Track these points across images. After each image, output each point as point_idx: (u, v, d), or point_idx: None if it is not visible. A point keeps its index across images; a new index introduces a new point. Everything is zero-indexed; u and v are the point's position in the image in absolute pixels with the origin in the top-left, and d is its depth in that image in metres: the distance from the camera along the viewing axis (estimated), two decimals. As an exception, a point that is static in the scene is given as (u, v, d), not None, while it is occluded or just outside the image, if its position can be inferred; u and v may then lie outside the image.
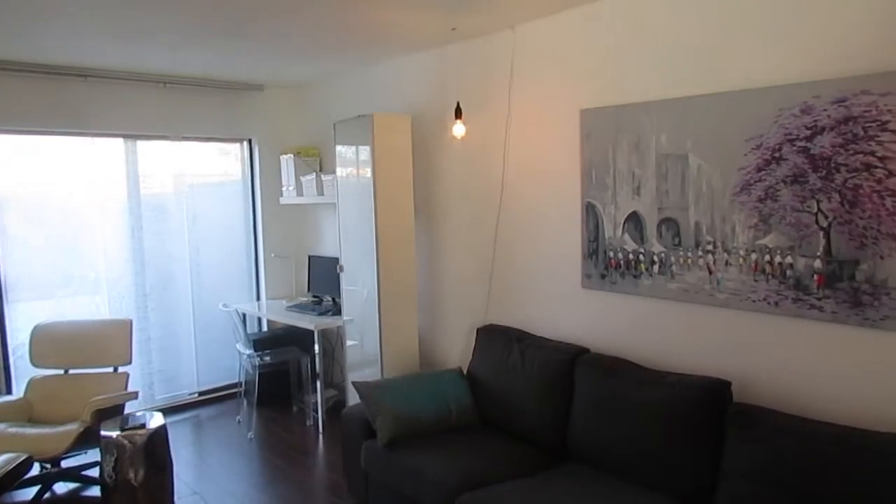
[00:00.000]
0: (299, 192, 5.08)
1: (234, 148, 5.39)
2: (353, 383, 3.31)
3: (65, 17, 3.16)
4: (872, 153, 2.24)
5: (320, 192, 4.85)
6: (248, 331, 5.19)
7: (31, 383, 3.84)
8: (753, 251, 2.59)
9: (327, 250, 5.28)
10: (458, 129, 3.68)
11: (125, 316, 4.60)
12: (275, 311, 4.88)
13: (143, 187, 4.85)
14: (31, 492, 3.58)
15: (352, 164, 4.09)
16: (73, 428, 3.42)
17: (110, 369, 3.93)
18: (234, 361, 5.29)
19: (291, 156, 5.12)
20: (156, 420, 3.27)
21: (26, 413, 3.70)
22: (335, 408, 4.72)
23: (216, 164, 5.32)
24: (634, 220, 3.02)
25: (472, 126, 3.82)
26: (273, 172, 5.41)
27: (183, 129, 4.97)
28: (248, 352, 4.69)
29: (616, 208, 3.09)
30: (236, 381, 5.30)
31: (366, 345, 4.09)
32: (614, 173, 3.08)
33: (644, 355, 3.04)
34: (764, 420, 2.32)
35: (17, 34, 3.45)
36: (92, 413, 3.43)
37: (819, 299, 2.41)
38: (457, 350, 4.13)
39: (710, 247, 2.74)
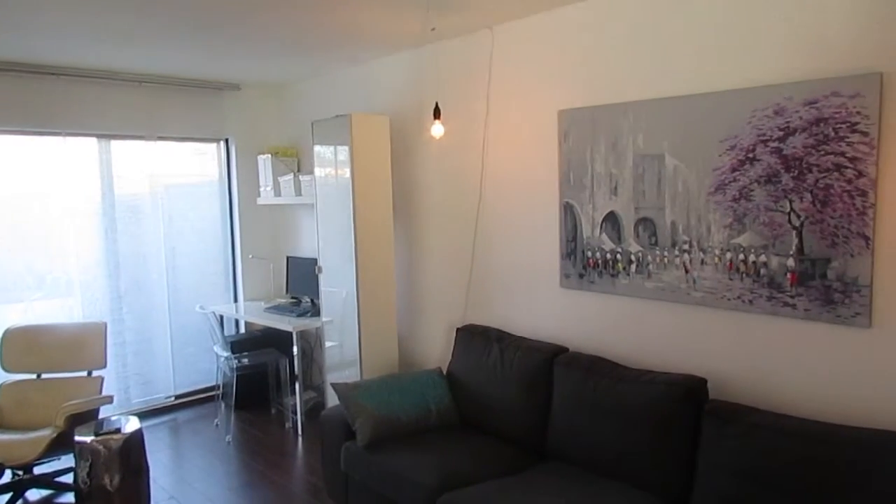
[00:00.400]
0: (277, 193, 5.05)
1: (211, 148, 5.33)
2: (333, 385, 3.30)
3: (37, 15, 3.10)
4: (843, 154, 2.28)
5: (298, 193, 4.82)
6: (226, 333, 5.14)
7: (3, 388, 3.76)
8: (728, 250, 2.63)
9: (306, 251, 5.24)
10: (437, 129, 3.68)
11: (99, 319, 4.53)
12: (252, 313, 4.84)
13: (117, 188, 4.78)
14: (2, 499, 3.50)
15: (330, 164, 4.07)
16: (46, 433, 3.36)
17: (84, 373, 3.86)
18: (211, 364, 5.24)
19: (269, 156, 5.09)
20: (131, 424, 3.22)
21: (-3, 419, 3.63)
22: (314, 410, 4.69)
23: (192, 165, 5.25)
24: (612, 220, 3.05)
25: (451, 126, 3.82)
26: (250, 173, 5.36)
27: (158, 128, 4.90)
28: (225, 354, 4.64)
29: (594, 208, 3.12)
30: (214, 383, 5.24)
31: (345, 346, 4.07)
32: (592, 174, 3.11)
33: (622, 354, 3.07)
34: (739, 416, 2.36)
35: (-14, 32, 3.39)
36: (65, 418, 3.37)
37: (792, 297, 2.46)
38: (436, 350, 4.13)
39: (686, 246, 2.78)
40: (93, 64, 4.30)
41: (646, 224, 2.92)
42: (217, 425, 4.72)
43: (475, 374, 3.34)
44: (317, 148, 4.16)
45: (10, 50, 3.82)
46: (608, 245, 3.07)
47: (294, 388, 4.59)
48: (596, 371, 2.85)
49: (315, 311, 4.56)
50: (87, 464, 3.03)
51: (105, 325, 3.99)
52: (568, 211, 3.23)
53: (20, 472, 3.61)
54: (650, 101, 2.85)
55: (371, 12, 3.19)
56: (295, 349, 4.46)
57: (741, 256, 2.59)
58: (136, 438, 3.16)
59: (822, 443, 2.13)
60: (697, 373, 2.77)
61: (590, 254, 3.15)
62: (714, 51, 2.64)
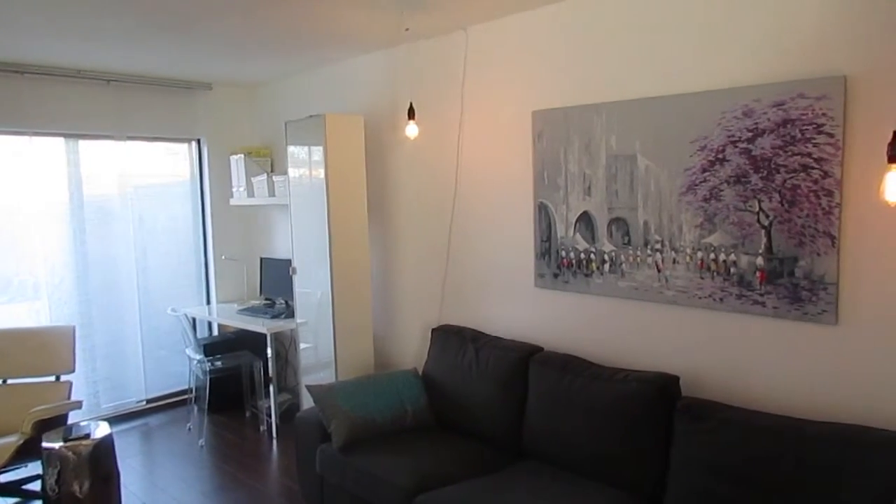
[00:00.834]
0: (250, 193, 4.99)
1: (183, 148, 5.25)
2: (308, 387, 3.27)
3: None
4: (809, 154, 2.33)
5: (272, 193, 4.77)
6: (198, 335, 5.07)
7: (-34, 394, 3.67)
8: (699, 249, 2.67)
9: (279, 252, 5.20)
10: (412, 129, 3.68)
11: (68, 322, 4.43)
12: (226, 315, 4.78)
13: (86, 188, 4.68)
14: (-34, 508, 3.43)
15: (304, 164, 4.04)
16: (13, 440, 3.28)
17: (52, 378, 3.78)
18: (183, 367, 5.16)
19: (242, 156, 5.03)
20: (101, 430, 3.16)
21: (-39, 426, 3.53)
22: (289, 412, 4.65)
23: (163, 165, 5.17)
24: (586, 220, 3.07)
25: (426, 127, 3.82)
26: (223, 173, 5.29)
27: (128, 128, 4.81)
28: (198, 357, 4.58)
29: (568, 208, 3.14)
30: (186, 387, 5.17)
31: (320, 347, 4.05)
32: (566, 174, 3.13)
33: (596, 352, 3.10)
34: (711, 413, 2.40)
35: (-53, 28, 3.29)
36: (33, 424, 3.30)
37: (761, 295, 2.50)
38: (412, 351, 4.13)
39: (658, 246, 2.81)
40: (58, 62, 4.21)
41: (619, 224, 2.95)
42: (190, 429, 4.65)
43: (451, 374, 3.35)
44: (290, 148, 4.12)
45: (-27, 47, 3.73)
46: (582, 245, 3.10)
47: (268, 391, 4.54)
48: (570, 370, 2.87)
49: (289, 312, 4.52)
50: (56, 471, 2.97)
51: (73, 328, 3.92)
52: (542, 211, 3.25)
53: (-15, 481, 3.53)
54: (622, 103, 2.88)
55: (344, 12, 3.17)
56: (269, 351, 4.42)
57: (712, 255, 2.64)
58: (106, 444, 3.10)
59: (792, 437, 2.17)
60: (670, 370, 2.81)
61: (564, 254, 3.18)
62: (685, 53, 2.67)
